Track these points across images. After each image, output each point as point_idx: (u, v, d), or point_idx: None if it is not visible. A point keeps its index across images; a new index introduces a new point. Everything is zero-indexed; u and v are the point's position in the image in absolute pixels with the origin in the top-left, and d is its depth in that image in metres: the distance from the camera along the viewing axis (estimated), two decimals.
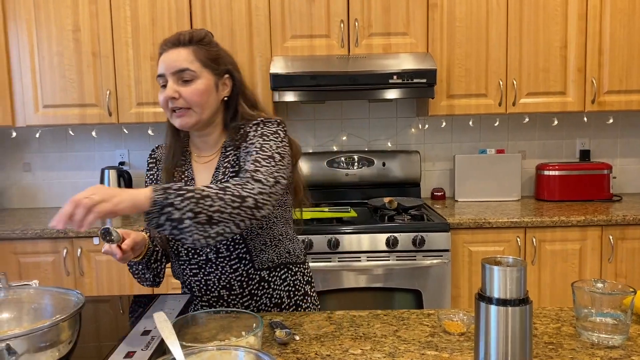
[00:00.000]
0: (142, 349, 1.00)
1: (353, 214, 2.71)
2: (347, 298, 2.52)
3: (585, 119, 3.19)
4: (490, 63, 2.82)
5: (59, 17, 2.78)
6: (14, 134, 3.10)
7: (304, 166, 3.07)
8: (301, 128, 3.23)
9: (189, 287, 1.42)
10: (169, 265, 1.48)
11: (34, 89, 2.83)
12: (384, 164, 3.09)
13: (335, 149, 3.24)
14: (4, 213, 3.10)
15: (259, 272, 1.38)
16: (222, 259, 1.35)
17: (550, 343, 1.12)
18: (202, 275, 1.38)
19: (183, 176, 1.42)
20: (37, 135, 3.17)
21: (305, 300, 1.48)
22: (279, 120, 1.37)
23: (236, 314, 1.06)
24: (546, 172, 3.01)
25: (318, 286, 2.49)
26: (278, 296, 1.42)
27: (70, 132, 3.21)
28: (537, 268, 2.61)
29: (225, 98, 1.39)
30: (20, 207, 3.27)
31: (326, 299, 2.51)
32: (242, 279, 1.37)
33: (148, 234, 1.41)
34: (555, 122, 3.19)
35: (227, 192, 1.11)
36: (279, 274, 1.42)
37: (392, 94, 2.71)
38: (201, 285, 1.39)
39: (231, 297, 1.38)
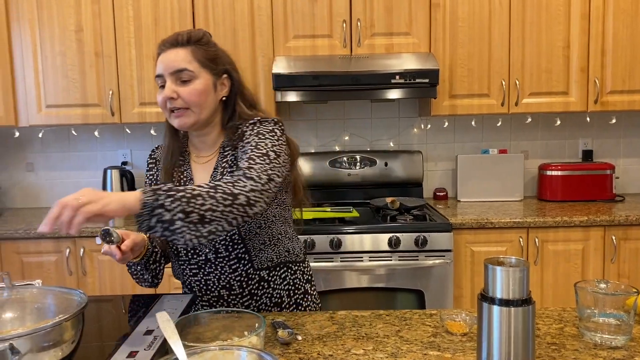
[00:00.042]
0: (144, 349, 1.00)
1: (355, 214, 2.71)
2: (349, 298, 2.52)
3: (588, 119, 3.19)
4: (493, 63, 2.81)
5: (61, 17, 2.79)
6: (17, 134, 3.11)
7: (306, 166, 3.07)
8: (303, 128, 3.23)
9: (189, 287, 1.42)
10: (168, 265, 1.48)
11: (36, 89, 2.83)
12: (386, 164, 3.09)
13: (337, 149, 3.24)
14: (7, 213, 3.11)
15: (258, 272, 1.38)
16: (221, 259, 1.36)
17: (553, 343, 1.12)
18: (201, 275, 1.38)
19: (182, 176, 1.42)
20: (40, 135, 3.18)
21: (305, 299, 1.48)
22: (276, 120, 1.36)
23: (238, 313, 1.06)
24: (549, 172, 3.01)
25: (320, 286, 2.49)
26: (278, 295, 1.42)
27: (73, 132, 3.21)
28: (539, 268, 2.61)
29: (224, 98, 1.39)
30: (23, 206, 3.28)
31: (328, 299, 2.51)
32: (242, 279, 1.37)
33: (148, 235, 1.41)
34: (558, 122, 3.18)
35: (219, 190, 1.10)
36: (279, 273, 1.42)
37: (394, 94, 2.70)
38: (201, 285, 1.39)
39: (231, 297, 1.38)
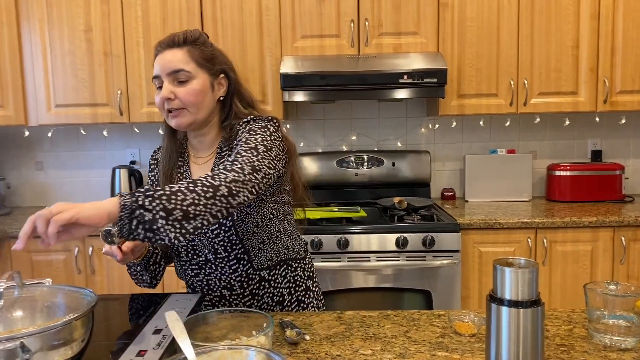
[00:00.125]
0: (153, 348, 1.01)
1: (362, 213, 2.71)
2: (356, 298, 2.52)
3: (597, 119, 3.17)
4: (501, 62, 2.80)
5: (71, 17, 2.81)
6: (27, 133, 3.13)
7: (314, 165, 3.07)
8: (311, 128, 3.23)
9: (192, 287, 1.43)
10: (170, 266, 1.49)
11: (46, 89, 2.85)
12: (393, 164, 3.08)
13: (344, 148, 3.24)
14: (16, 211, 3.13)
15: (258, 272, 1.38)
16: (220, 260, 1.36)
17: (562, 345, 1.11)
18: (203, 276, 1.39)
19: (181, 177, 1.42)
20: (49, 135, 3.20)
21: (307, 296, 1.47)
22: (270, 117, 1.35)
23: (247, 313, 1.06)
24: (557, 173, 2.99)
25: (327, 286, 2.49)
26: (279, 294, 1.42)
27: (82, 131, 3.23)
28: (547, 269, 2.59)
29: (221, 98, 1.39)
30: (32, 205, 3.30)
31: (335, 298, 2.51)
32: (242, 279, 1.37)
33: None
34: (567, 122, 3.17)
35: (198, 184, 1.07)
36: (279, 272, 1.41)
37: (402, 93, 2.70)
38: (203, 285, 1.40)
39: (233, 297, 1.39)
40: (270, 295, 1.41)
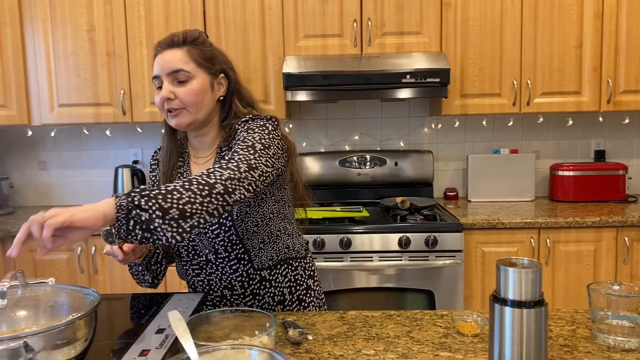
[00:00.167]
0: (156, 348, 1.01)
1: (365, 213, 2.71)
2: (358, 298, 2.51)
3: (601, 119, 3.16)
4: (505, 62, 2.79)
5: (74, 17, 2.81)
6: (30, 133, 3.14)
7: (316, 165, 3.07)
8: (313, 127, 3.23)
9: (193, 287, 1.43)
10: (172, 266, 1.49)
11: (49, 88, 2.86)
12: (396, 164, 3.08)
13: (347, 148, 3.24)
14: (19, 211, 3.14)
15: (259, 272, 1.38)
16: (221, 260, 1.36)
17: (566, 345, 1.11)
18: (204, 276, 1.39)
19: (182, 177, 1.42)
20: (52, 134, 3.21)
21: (308, 295, 1.47)
22: (269, 116, 1.34)
23: (249, 313, 1.06)
24: (560, 173, 2.98)
25: (330, 286, 2.49)
26: (280, 293, 1.42)
27: (85, 131, 3.24)
28: (551, 269, 2.59)
29: (221, 98, 1.39)
30: (35, 205, 3.31)
31: (337, 298, 2.51)
32: (243, 279, 1.37)
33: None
34: (570, 122, 3.16)
35: (193, 183, 1.06)
36: (280, 271, 1.41)
37: (405, 93, 2.70)
38: (204, 285, 1.40)
39: (234, 297, 1.39)
40: (271, 295, 1.41)
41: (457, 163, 3.25)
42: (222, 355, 0.83)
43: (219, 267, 1.37)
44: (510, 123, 3.18)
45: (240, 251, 1.35)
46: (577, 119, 3.17)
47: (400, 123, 3.23)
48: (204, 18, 2.80)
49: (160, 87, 1.33)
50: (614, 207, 2.79)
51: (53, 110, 2.87)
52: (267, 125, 1.31)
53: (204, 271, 1.38)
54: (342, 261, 2.48)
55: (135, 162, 3.23)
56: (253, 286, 1.38)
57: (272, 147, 1.25)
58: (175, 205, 1.01)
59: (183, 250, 1.39)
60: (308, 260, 1.51)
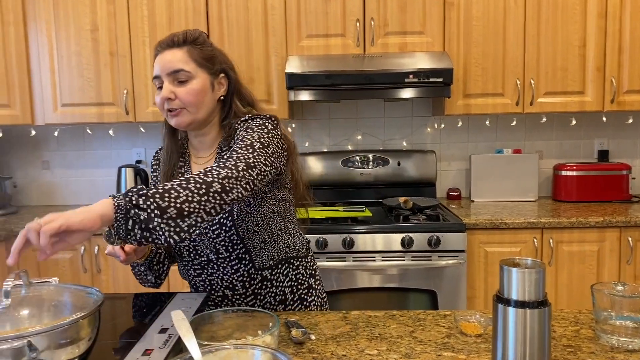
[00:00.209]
0: (159, 347, 1.01)
1: (368, 213, 2.71)
2: (361, 298, 2.51)
3: (604, 118, 3.15)
4: (508, 62, 2.79)
5: (77, 17, 2.82)
6: (33, 133, 3.14)
7: (319, 165, 3.07)
8: (316, 127, 3.23)
9: (195, 287, 1.43)
10: (174, 265, 1.49)
11: (52, 88, 2.86)
12: (399, 164, 3.08)
13: (350, 148, 3.24)
14: (22, 210, 3.15)
15: (260, 272, 1.38)
16: (222, 260, 1.36)
17: (569, 346, 1.11)
18: (205, 276, 1.39)
19: (182, 178, 1.42)
20: (56, 134, 3.22)
21: (310, 294, 1.47)
22: (268, 115, 1.34)
23: (252, 312, 1.06)
24: (564, 173, 2.98)
25: (332, 285, 2.49)
26: (282, 293, 1.42)
27: (88, 130, 3.24)
28: (554, 269, 2.58)
29: (222, 97, 1.38)
30: (38, 204, 3.32)
31: (340, 298, 2.50)
32: (244, 279, 1.37)
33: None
34: (574, 122, 3.15)
35: (191, 181, 1.06)
36: (281, 271, 1.41)
37: (407, 93, 2.69)
38: (206, 285, 1.40)
39: (235, 297, 1.39)
40: (273, 294, 1.41)
41: (460, 163, 3.24)
42: (225, 355, 0.83)
43: (221, 267, 1.37)
44: (514, 123, 3.18)
45: (241, 251, 1.35)
46: (581, 118, 3.17)
47: (403, 123, 3.22)
48: (207, 18, 2.80)
49: (160, 87, 1.33)
50: (618, 207, 2.79)
51: (56, 110, 2.88)
52: (267, 124, 1.31)
53: (206, 271, 1.39)
54: (344, 261, 2.48)
55: (138, 161, 3.23)
56: (254, 286, 1.38)
57: (271, 146, 1.25)
58: (173, 204, 1.01)
59: (184, 250, 1.39)
60: (309, 260, 1.51)
